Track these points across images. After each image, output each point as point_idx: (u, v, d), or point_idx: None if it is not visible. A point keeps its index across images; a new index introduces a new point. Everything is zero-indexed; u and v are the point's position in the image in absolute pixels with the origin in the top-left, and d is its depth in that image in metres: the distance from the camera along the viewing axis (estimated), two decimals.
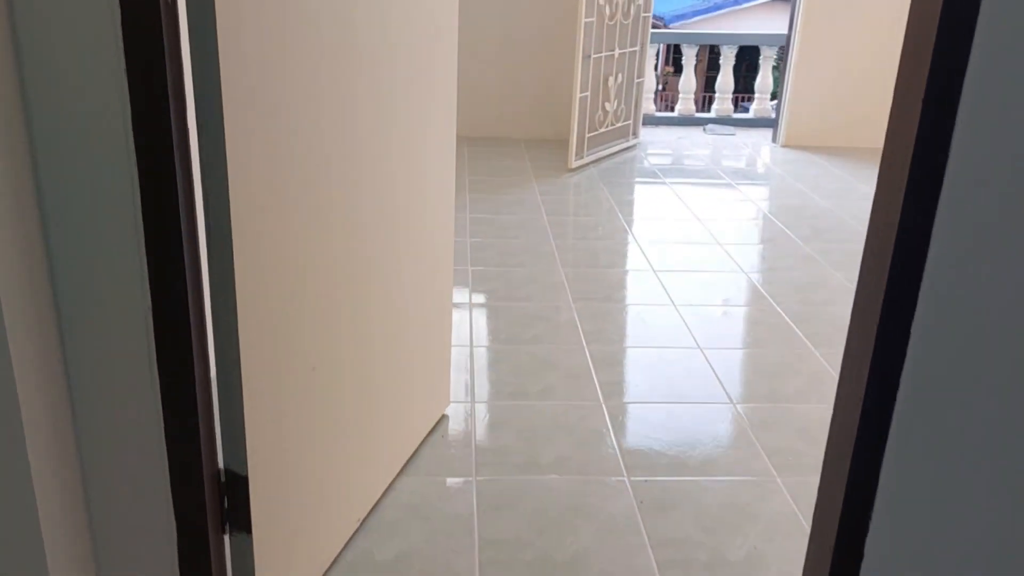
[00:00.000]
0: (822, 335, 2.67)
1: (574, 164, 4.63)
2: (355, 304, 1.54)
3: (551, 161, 4.86)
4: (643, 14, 4.97)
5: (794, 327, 2.73)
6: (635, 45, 4.98)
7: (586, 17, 4.33)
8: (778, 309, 2.87)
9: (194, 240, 1.06)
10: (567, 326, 2.68)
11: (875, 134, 5.44)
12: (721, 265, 3.30)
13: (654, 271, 3.20)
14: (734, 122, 6.46)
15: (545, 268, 3.17)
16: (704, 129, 6.27)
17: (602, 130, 4.85)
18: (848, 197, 4.29)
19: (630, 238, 3.61)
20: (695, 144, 5.69)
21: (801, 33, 5.24)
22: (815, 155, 5.23)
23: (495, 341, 2.57)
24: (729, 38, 6.62)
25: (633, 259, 3.35)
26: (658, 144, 5.51)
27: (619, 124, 5.05)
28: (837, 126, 5.46)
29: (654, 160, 5.07)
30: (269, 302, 1.24)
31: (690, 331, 2.68)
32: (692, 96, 6.55)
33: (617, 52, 4.78)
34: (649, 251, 3.42)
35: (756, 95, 6.61)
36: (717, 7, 19.89)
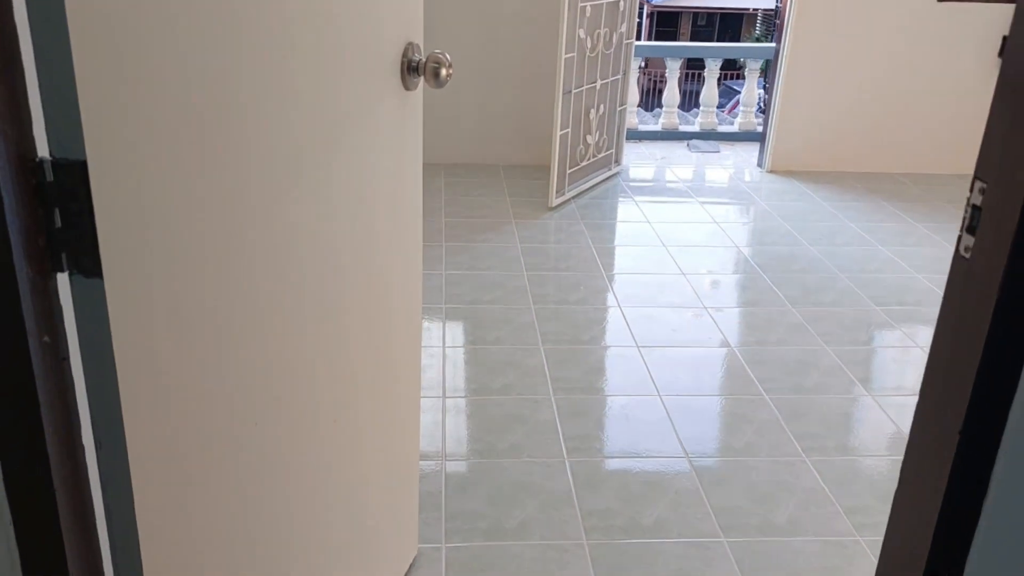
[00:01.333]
0: (814, 437, 2.54)
1: (555, 203, 4.45)
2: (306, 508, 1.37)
3: (531, 194, 4.68)
4: (626, 41, 4.76)
5: (785, 427, 2.59)
6: (618, 73, 4.78)
7: (566, 53, 4.13)
8: (767, 399, 2.73)
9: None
10: (547, 429, 2.53)
11: (862, 158, 5.33)
12: (707, 337, 3.16)
13: (638, 347, 3.05)
14: (719, 136, 6.30)
15: (524, 346, 3.01)
16: (688, 145, 6.10)
17: (583, 164, 4.67)
18: (837, 240, 4.15)
19: (612, 300, 3.45)
20: (678, 165, 5.53)
21: (789, 56, 5.05)
22: (802, 183, 5.08)
23: (469, 454, 2.42)
24: (714, 51, 6.42)
25: (615, 331, 3.19)
26: (640, 167, 5.34)
27: (601, 155, 4.87)
28: (824, 150, 5.31)
29: (636, 191, 4.90)
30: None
31: (676, 432, 2.54)
32: (675, 109, 6.36)
33: (599, 83, 4.58)
34: (632, 318, 3.26)
35: (741, 108, 6.44)
36: None
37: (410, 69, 1.47)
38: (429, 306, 3.31)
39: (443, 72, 1.47)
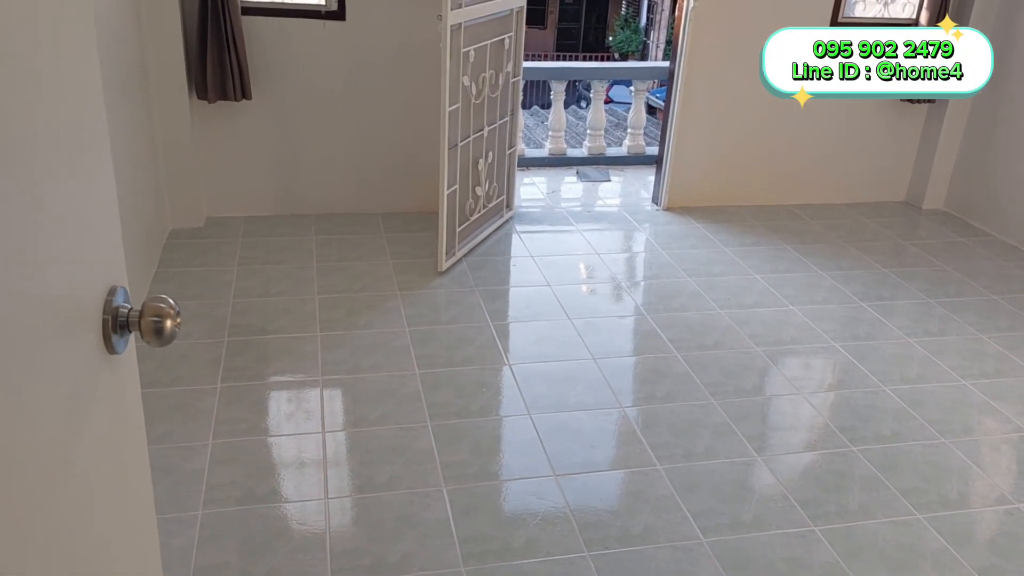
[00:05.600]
0: None
1: (445, 266, 3.99)
2: None
3: (416, 252, 4.20)
4: (512, 79, 4.33)
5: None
6: (505, 116, 4.35)
7: (450, 104, 3.65)
8: (705, 543, 2.40)
9: None
10: None
11: (758, 191, 5.13)
12: (629, 453, 2.80)
13: (555, 475, 2.65)
14: (607, 160, 6.01)
15: (424, 488, 2.55)
16: (576, 173, 5.77)
17: (473, 218, 4.22)
18: (746, 300, 3.89)
19: (520, 404, 3.03)
20: (570, 201, 5.20)
21: (683, 87, 4.77)
22: (700, 223, 4.83)
23: None
24: (602, 72, 6.08)
25: (527, 452, 2.77)
26: (532, 209, 4.93)
27: (492, 204, 4.43)
28: (720, 184, 5.09)
29: (530, 241, 4.49)
30: None
31: None
32: (562, 135, 6.02)
33: (486, 131, 4.13)
34: (544, 431, 2.86)
35: (629, 130, 6.16)
36: None
37: (118, 326, 1.01)
38: (305, 433, 2.80)
39: (168, 326, 1.03)
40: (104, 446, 1.01)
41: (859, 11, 4.92)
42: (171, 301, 1.04)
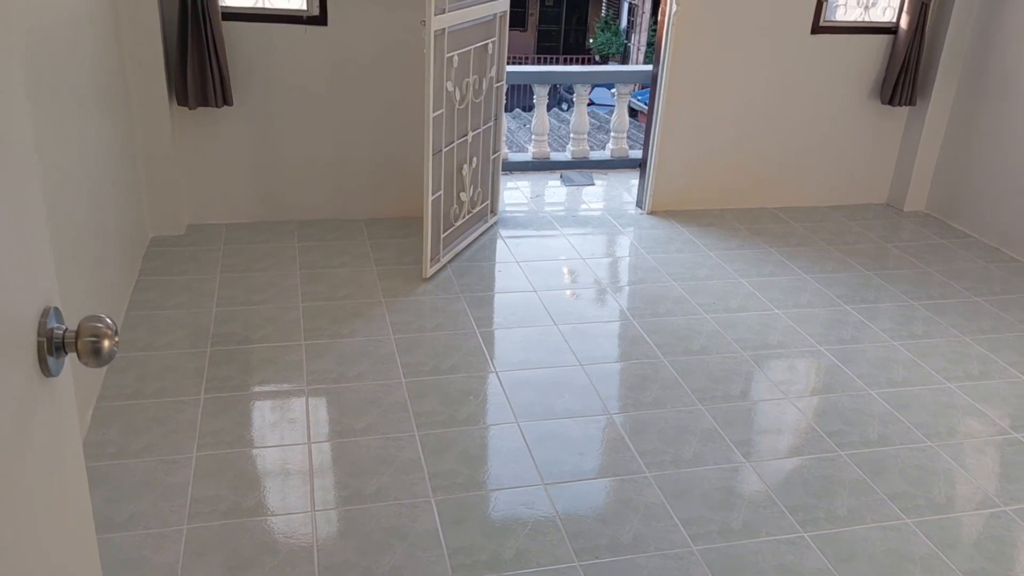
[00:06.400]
0: None
1: (429, 272, 3.96)
2: None
3: (400, 258, 4.17)
4: (496, 84, 4.31)
5: None
6: (489, 120, 4.33)
7: (434, 110, 3.62)
8: (702, 562, 2.39)
9: None
10: None
11: (741, 194, 5.14)
12: (618, 460, 2.79)
13: (544, 484, 2.64)
14: (591, 164, 6.00)
15: (411, 500, 2.52)
16: (560, 177, 5.77)
17: (458, 224, 4.20)
18: (731, 304, 3.90)
19: (507, 412, 3.01)
20: (554, 206, 5.19)
21: (667, 90, 4.77)
22: (684, 227, 4.83)
23: None
24: (585, 76, 6.08)
25: (518, 462, 2.76)
26: (516, 214, 4.91)
27: (476, 209, 4.41)
28: (703, 187, 5.10)
29: (515, 246, 4.48)
30: None
31: None
32: (545, 139, 6.01)
33: (471, 136, 4.10)
34: (532, 439, 2.85)
35: (612, 134, 6.16)
36: None
37: (53, 348, 0.99)
38: (290, 444, 2.76)
39: (106, 345, 1.01)
40: (43, 469, 0.99)
41: (840, 15, 4.94)
42: (108, 320, 1.02)
